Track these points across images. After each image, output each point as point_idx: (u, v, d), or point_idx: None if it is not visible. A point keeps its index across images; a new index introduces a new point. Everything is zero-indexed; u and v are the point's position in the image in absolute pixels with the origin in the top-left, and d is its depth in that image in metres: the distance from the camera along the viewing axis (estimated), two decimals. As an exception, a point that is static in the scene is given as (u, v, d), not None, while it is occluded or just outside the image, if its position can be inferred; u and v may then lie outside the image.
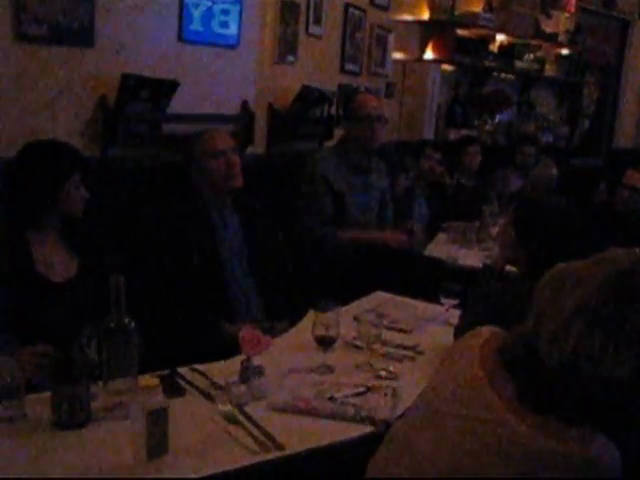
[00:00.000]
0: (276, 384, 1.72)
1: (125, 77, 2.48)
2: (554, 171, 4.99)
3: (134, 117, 2.59)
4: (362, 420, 1.58)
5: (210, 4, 2.87)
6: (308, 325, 1.98)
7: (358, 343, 2.01)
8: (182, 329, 2.18)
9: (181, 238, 2.31)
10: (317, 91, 3.59)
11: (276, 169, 3.43)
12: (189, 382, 1.73)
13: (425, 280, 2.69)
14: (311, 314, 2.04)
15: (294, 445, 1.47)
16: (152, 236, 2.36)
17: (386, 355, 1.98)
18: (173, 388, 1.67)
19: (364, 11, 4.16)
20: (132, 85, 2.50)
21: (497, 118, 5.75)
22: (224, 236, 2.43)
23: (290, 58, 3.50)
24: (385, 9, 4.43)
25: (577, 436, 1.04)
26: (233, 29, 3.01)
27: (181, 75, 2.74)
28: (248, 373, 1.69)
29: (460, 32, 5.12)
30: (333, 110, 3.88)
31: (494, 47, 5.61)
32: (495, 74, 5.72)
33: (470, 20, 4.96)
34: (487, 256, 3.13)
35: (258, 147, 3.33)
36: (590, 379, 1.00)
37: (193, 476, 1.34)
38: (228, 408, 1.57)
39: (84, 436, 1.45)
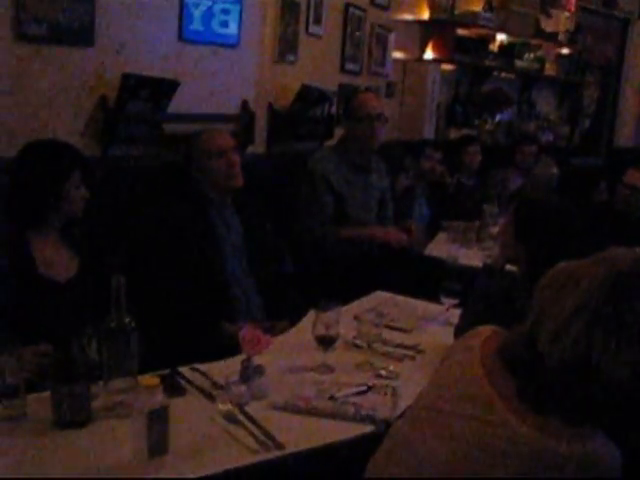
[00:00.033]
0: (276, 383, 1.73)
1: (125, 77, 2.48)
2: (554, 170, 4.99)
3: (134, 117, 2.59)
4: (362, 419, 1.58)
5: (210, 4, 2.87)
6: (308, 324, 1.98)
7: (358, 342, 2.01)
8: (182, 329, 2.18)
9: (181, 238, 2.31)
10: (317, 90, 3.59)
11: (276, 169, 3.43)
12: (189, 381, 1.73)
13: (425, 279, 2.69)
14: (311, 313, 2.04)
15: (294, 444, 1.47)
16: (152, 236, 2.36)
17: (386, 354, 1.99)
18: (173, 388, 1.67)
19: (364, 11, 4.16)
20: (132, 85, 2.50)
21: (497, 117, 5.75)
22: (224, 236, 2.43)
23: (290, 57, 3.50)
24: (385, 9, 4.43)
25: (577, 435, 1.04)
26: (233, 29, 3.01)
27: (181, 75, 2.74)
28: (248, 372, 1.69)
29: (460, 31, 5.12)
30: (333, 110, 3.88)
31: (494, 46, 5.61)
32: (495, 73, 5.72)
33: (470, 19, 4.97)
34: (487, 255, 3.12)
35: (258, 147, 3.34)
36: (590, 379, 1.00)
37: (193, 475, 1.34)
38: (228, 407, 1.57)
39: (84, 435, 1.46)
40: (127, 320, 1.53)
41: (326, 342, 1.88)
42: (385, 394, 1.71)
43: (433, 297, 2.38)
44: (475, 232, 3.63)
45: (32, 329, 1.81)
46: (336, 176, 3.11)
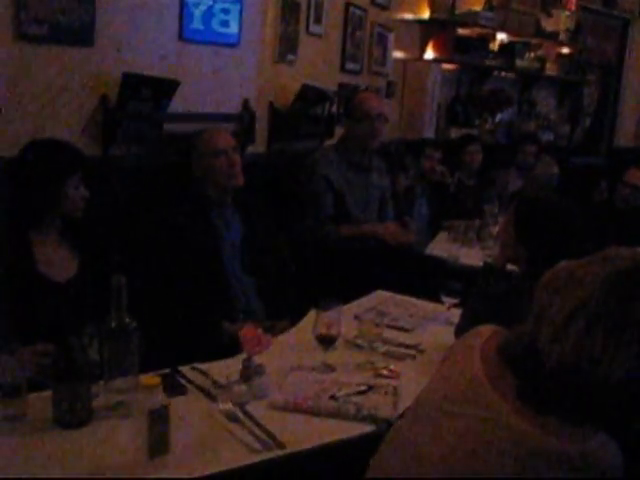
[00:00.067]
0: (277, 383, 1.73)
1: (126, 76, 2.48)
2: (555, 170, 4.99)
3: (135, 116, 2.58)
4: (363, 419, 1.58)
5: (211, 3, 2.87)
6: (309, 324, 1.98)
7: (359, 342, 2.01)
8: (183, 328, 2.18)
9: (182, 237, 2.32)
10: (318, 90, 3.59)
11: (277, 168, 3.43)
12: (190, 381, 1.73)
13: (426, 279, 2.70)
14: (312, 313, 2.04)
15: (295, 444, 1.47)
16: (153, 235, 2.37)
17: (387, 354, 1.99)
18: (174, 387, 1.67)
19: (365, 10, 4.16)
20: (133, 84, 2.50)
21: (498, 117, 5.75)
22: (225, 235, 2.43)
23: (291, 57, 3.49)
24: (386, 8, 4.43)
25: (578, 435, 1.04)
26: (234, 28, 3.01)
27: (182, 74, 2.73)
28: (249, 372, 1.69)
29: (461, 31, 5.12)
30: (334, 109, 3.88)
31: (494, 46, 5.61)
32: (495, 73, 5.72)
33: (470, 19, 4.96)
34: (488, 255, 3.13)
35: (259, 146, 3.33)
36: (590, 378, 1.00)
37: (194, 475, 1.34)
38: (229, 407, 1.57)
39: (85, 435, 1.46)
40: (128, 320, 1.53)
41: (327, 341, 1.88)
42: (386, 393, 1.71)
43: (434, 296, 2.38)
44: (475, 232, 3.63)
45: (32, 329, 1.82)
46: (336, 175, 3.12)
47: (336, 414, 1.60)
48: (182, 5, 2.74)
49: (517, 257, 1.98)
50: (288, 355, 1.93)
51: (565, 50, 6.47)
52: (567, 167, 5.46)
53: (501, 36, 5.64)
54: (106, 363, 1.53)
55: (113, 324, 1.52)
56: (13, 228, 1.93)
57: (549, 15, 6.05)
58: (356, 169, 3.20)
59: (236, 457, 1.41)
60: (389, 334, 2.09)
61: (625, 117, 7.51)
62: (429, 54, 5.01)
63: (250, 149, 3.20)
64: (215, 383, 1.71)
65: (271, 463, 1.41)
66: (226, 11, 2.95)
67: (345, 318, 1.98)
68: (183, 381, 1.73)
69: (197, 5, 2.81)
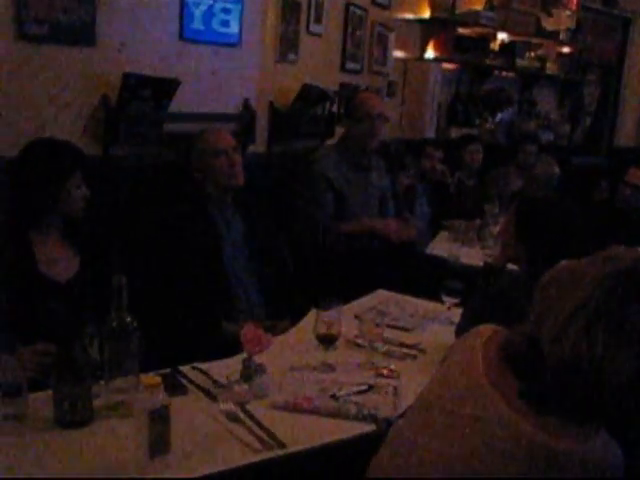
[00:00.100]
0: (278, 382, 1.73)
1: (126, 76, 2.48)
2: (555, 170, 4.99)
3: (135, 116, 2.58)
4: (364, 418, 1.58)
5: (211, 3, 2.87)
6: (310, 323, 1.99)
7: (360, 341, 2.01)
8: (183, 328, 2.18)
9: (182, 237, 2.32)
10: (318, 90, 3.59)
11: (277, 167, 3.43)
12: (191, 381, 1.73)
13: (427, 278, 2.69)
14: (313, 312, 2.04)
15: (296, 443, 1.47)
16: (153, 235, 2.37)
17: (388, 353, 1.99)
18: (175, 387, 1.67)
19: (365, 10, 4.16)
20: (133, 84, 2.50)
21: (498, 116, 5.75)
22: (225, 235, 2.43)
23: (291, 57, 3.49)
24: (386, 7, 4.43)
25: (579, 435, 1.04)
26: (234, 28, 3.01)
27: (182, 74, 2.73)
28: (250, 371, 1.69)
29: (461, 30, 5.12)
30: (334, 109, 3.88)
31: (495, 45, 5.61)
32: (496, 72, 5.72)
33: (471, 18, 4.96)
34: (488, 255, 3.13)
35: (259, 146, 3.33)
36: (591, 378, 1.00)
37: (195, 475, 1.35)
38: (230, 406, 1.57)
39: (86, 435, 1.46)
40: (128, 319, 1.53)
41: (327, 341, 1.88)
42: (386, 393, 1.71)
43: (434, 296, 2.38)
44: (476, 231, 3.63)
45: (34, 329, 1.82)
46: (336, 175, 3.12)
47: (336, 414, 1.60)
48: (182, 5, 2.74)
49: (517, 257, 1.98)
50: (289, 355, 1.93)
51: (565, 49, 6.46)
52: (567, 167, 5.46)
53: (501, 36, 5.64)
54: (107, 363, 1.53)
55: (114, 324, 1.52)
56: (14, 228, 1.93)
57: (549, 14, 6.05)
58: (356, 169, 3.20)
59: (237, 457, 1.41)
60: (389, 334, 2.09)
61: (626, 117, 7.51)
62: (429, 54, 5.01)
63: (250, 149, 3.20)
64: (216, 383, 1.71)
65: (271, 463, 1.41)
66: (226, 11, 2.95)
67: (345, 318, 1.98)
68: (184, 381, 1.73)
69: (197, 5, 2.81)
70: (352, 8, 4.01)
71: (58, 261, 1.97)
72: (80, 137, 2.42)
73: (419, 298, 2.51)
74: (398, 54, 4.70)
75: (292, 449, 1.45)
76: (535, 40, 5.94)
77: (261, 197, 2.73)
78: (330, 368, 1.85)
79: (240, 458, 1.41)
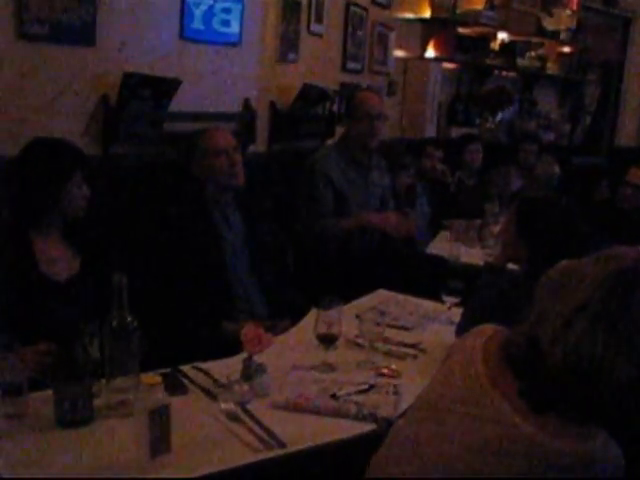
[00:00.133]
0: (278, 382, 1.72)
1: (127, 75, 2.48)
2: (556, 169, 4.99)
3: (136, 116, 2.59)
4: (364, 418, 1.58)
5: (211, 2, 2.87)
6: (310, 323, 1.98)
7: (360, 341, 2.01)
8: (184, 327, 2.18)
9: (182, 236, 2.32)
10: (319, 89, 3.59)
11: (278, 167, 3.43)
12: (191, 380, 1.73)
13: (427, 278, 2.69)
14: (313, 312, 2.04)
15: (296, 443, 1.47)
16: (153, 234, 2.37)
17: (388, 353, 1.99)
18: (175, 386, 1.67)
19: (365, 9, 4.16)
20: (134, 83, 2.51)
21: (499, 116, 5.75)
22: (225, 234, 2.43)
23: (292, 56, 3.50)
24: (386, 7, 4.43)
25: (579, 435, 1.04)
26: (235, 27, 3.01)
27: (183, 73, 2.74)
28: (250, 371, 1.69)
29: (461, 30, 5.12)
30: (335, 108, 3.88)
31: (495, 45, 5.61)
32: (496, 72, 5.72)
33: (471, 18, 4.96)
34: (489, 254, 3.13)
35: (260, 145, 3.34)
36: (592, 378, 1.00)
37: (195, 474, 1.34)
38: (230, 406, 1.57)
39: (86, 434, 1.46)
40: (129, 319, 1.53)
41: (328, 341, 1.88)
42: (387, 393, 1.71)
43: (435, 296, 2.37)
44: (476, 231, 3.63)
45: (34, 328, 1.82)
46: (337, 174, 3.11)
47: (337, 413, 1.60)
48: (183, 5, 2.75)
49: (518, 256, 1.98)
50: (289, 354, 1.93)
51: (566, 49, 6.46)
52: (568, 167, 5.46)
53: (502, 35, 5.64)
54: (107, 362, 1.53)
55: (114, 323, 1.52)
56: (14, 228, 1.93)
57: (550, 14, 6.05)
58: (356, 168, 3.20)
59: (237, 456, 1.41)
60: (390, 333, 2.09)
61: (626, 116, 7.50)
62: (430, 53, 5.01)
63: (251, 148, 3.21)
64: (216, 382, 1.71)
65: (272, 462, 1.41)
66: (227, 10, 2.95)
67: (346, 317, 1.98)
68: (184, 380, 1.72)
69: (198, 5, 2.81)
70: (352, 8, 4.01)
71: (58, 261, 1.97)
72: (80, 136, 2.42)
73: (419, 298, 2.51)
74: (398, 54, 4.70)
75: (292, 449, 1.45)
76: (535, 40, 5.94)
77: (261, 197, 2.72)
78: (330, 368, 1.85)
79: (240, 457, 1.41)
